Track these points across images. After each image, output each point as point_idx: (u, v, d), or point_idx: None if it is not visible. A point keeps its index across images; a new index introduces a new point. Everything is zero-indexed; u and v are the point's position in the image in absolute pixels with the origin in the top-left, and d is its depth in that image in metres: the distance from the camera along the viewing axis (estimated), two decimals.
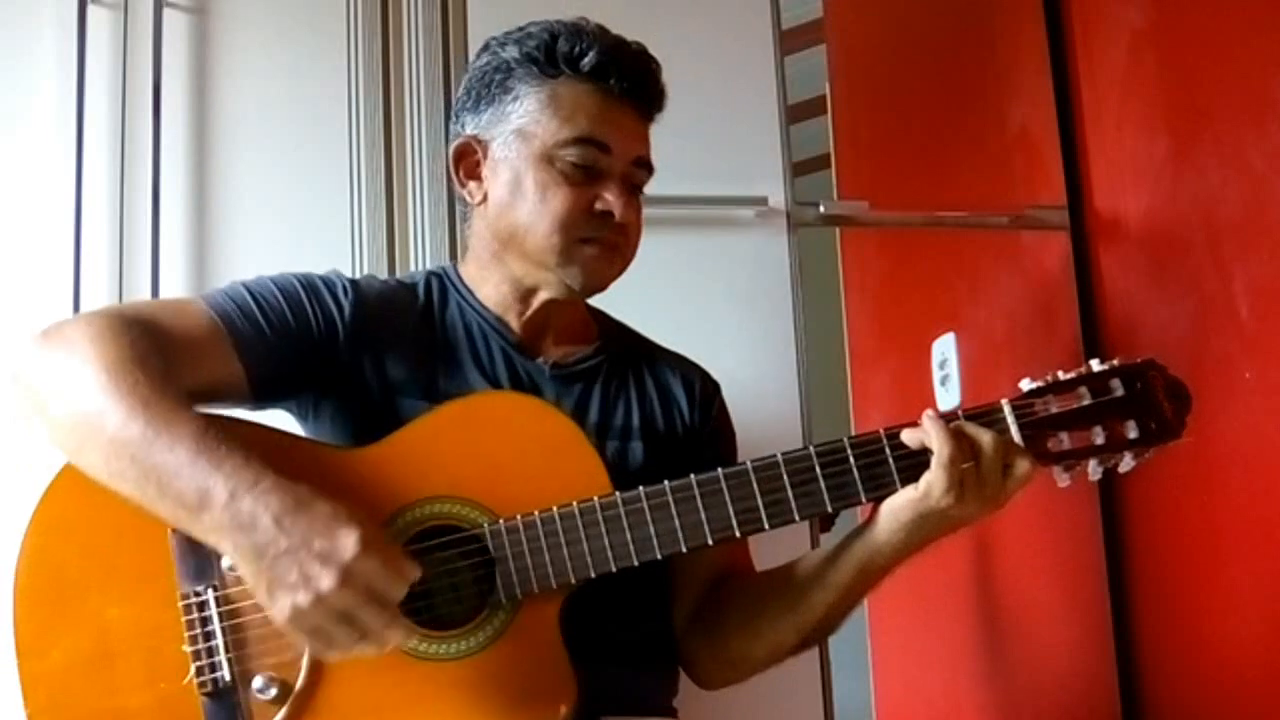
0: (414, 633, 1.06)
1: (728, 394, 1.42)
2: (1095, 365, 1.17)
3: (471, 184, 1.30)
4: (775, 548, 1.36)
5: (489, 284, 1.31)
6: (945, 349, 2.14)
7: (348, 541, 0.98)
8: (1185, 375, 1.17)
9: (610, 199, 1.23)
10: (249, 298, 1.19)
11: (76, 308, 1.59)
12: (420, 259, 1.70)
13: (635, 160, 1.27)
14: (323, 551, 0.97)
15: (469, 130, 1.29)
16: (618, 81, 1.24)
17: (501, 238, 1.28)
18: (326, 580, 0.97)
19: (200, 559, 1.08)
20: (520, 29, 1.29)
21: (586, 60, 1.24)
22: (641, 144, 1.29)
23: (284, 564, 0.98)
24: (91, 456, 1.05)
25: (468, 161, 1.30)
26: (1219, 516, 1.65)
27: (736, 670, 1.30)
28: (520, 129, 1.25)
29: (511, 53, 1.27)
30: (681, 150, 1.71)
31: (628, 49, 1.27)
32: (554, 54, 1.25)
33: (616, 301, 1.42)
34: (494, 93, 1.27)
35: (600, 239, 1.24)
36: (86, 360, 1.05)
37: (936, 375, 2.14)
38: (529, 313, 1.30)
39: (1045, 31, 1.98)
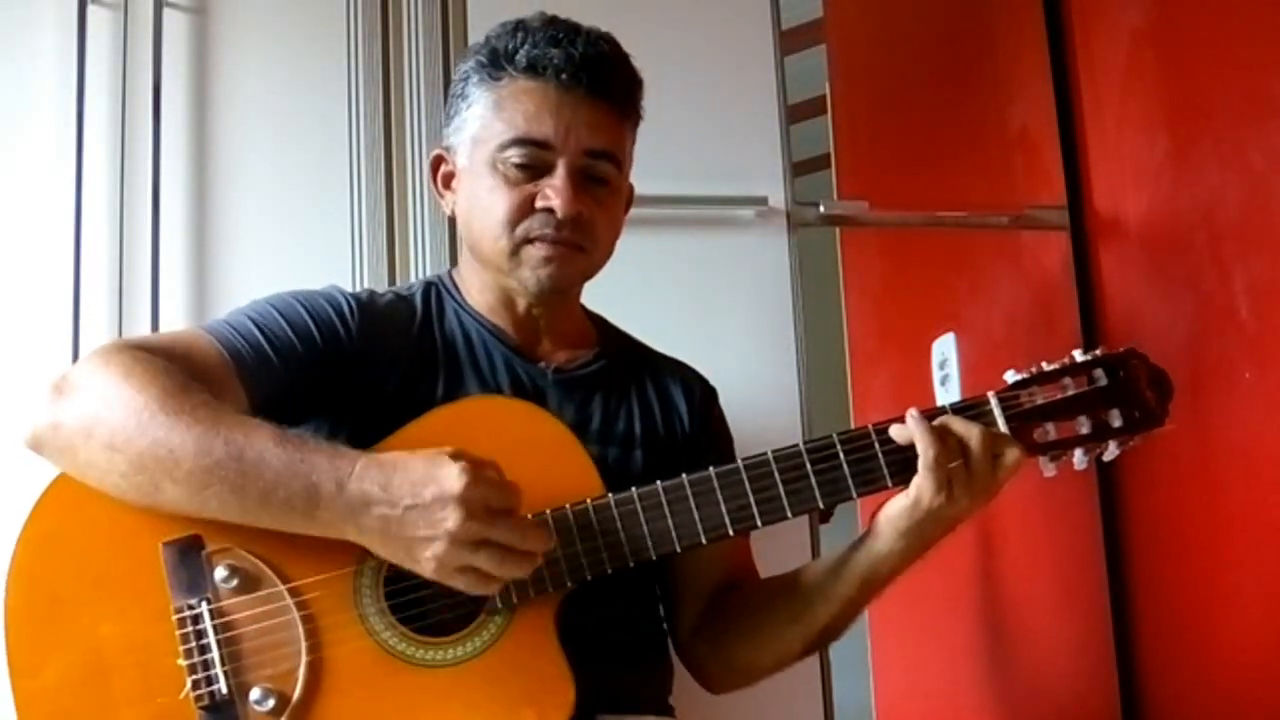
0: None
1: (728, 394, 1.42)
2: (1079, 355, 1.17)
3: (448, 194, 1.31)
4: (776, 545, 1.36)
5: (476, 289, 1.31)
6: (945, 349, 2.14)
7: (451, 477, 1.00)
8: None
9: (550, 194, 1.21)
10: (254, 328, 1.17)
11: (76, 307, 1.59)
12: (420, 260, 1.70)
13: (588, 152, 1.23)
14: (435, 496, 1.00)
15: (445, 141, 1.31)
16: (556, 73, 1.21)
17: (471, 246, 1.29)
18: (450, 519, 0.99)
19: (192, 571, 1.07)
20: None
21: (521, 56, 1.22)
22: (595, 134, 1.23)
23: (409, 524, 1.00)
24: (172, 491, 1.03)
25: (443, 172, 1.31)
26: (1219, 517, 1.65)
27: (743, 676, 1.30)
28: (474, 136, 1.25)
29: (470, 60, 1.27)
30: (681, 150, 1.72)
31: (573, 37, 1.23)
32: (497, 55, 1.24)
33: (616, 301, 1.42)
34: (456, 102, 1.28)
35: (545, 237, 1.22)
36: (128, 401, 1.03)
37: (936, 375, 2.14)
38: (517, 316, 1.30)
39: (1045, 31, 1.98)
